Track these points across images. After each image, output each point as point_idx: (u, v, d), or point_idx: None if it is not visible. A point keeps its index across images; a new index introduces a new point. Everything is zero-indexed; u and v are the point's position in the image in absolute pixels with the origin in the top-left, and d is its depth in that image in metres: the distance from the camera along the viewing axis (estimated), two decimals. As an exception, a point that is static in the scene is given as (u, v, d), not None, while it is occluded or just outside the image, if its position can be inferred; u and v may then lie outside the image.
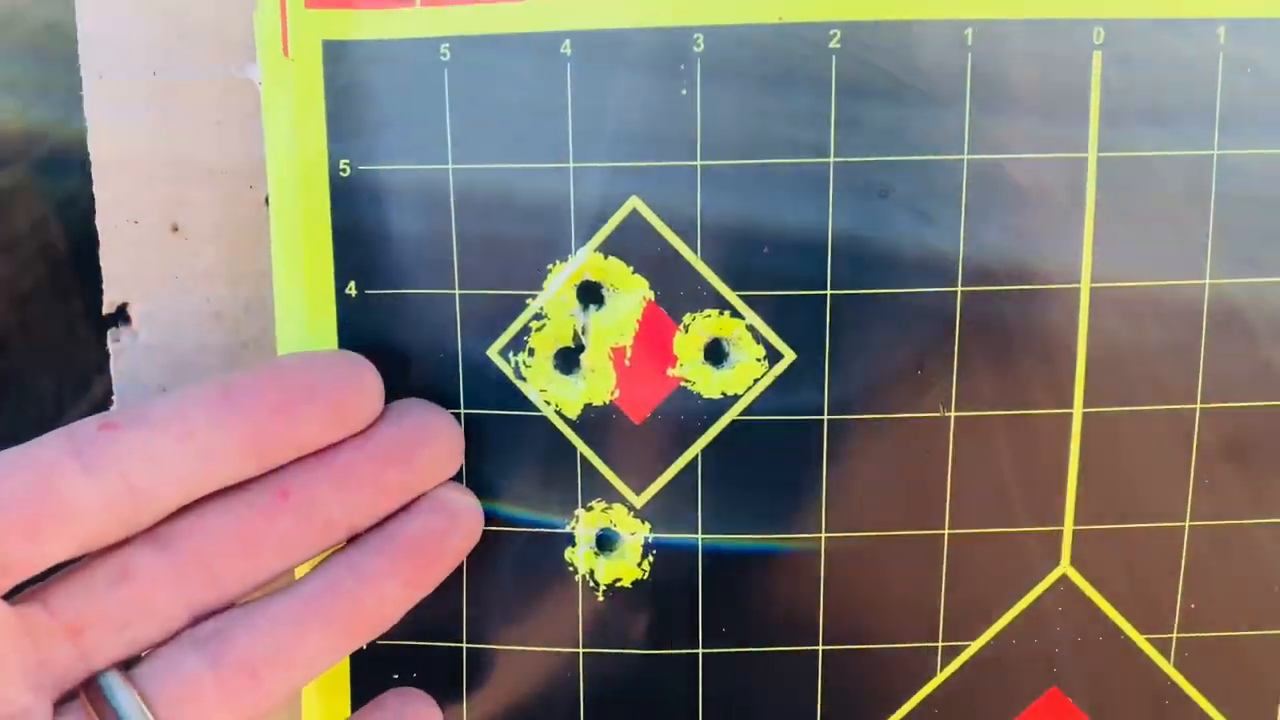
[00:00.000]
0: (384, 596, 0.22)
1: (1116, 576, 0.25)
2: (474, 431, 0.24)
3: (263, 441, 0.21)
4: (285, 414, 0.21)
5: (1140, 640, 0.25)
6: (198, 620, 0.22)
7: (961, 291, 0.23)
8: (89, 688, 0.20)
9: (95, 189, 0.24)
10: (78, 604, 0.21)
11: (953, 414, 0.24)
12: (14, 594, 0.20)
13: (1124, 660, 0.25)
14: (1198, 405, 0.24)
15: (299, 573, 0.23)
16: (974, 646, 0.25)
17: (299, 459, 0.22)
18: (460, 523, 0.23)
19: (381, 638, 0.23)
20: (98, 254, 0.25)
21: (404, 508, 0.23)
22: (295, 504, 0.22)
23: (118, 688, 0.20)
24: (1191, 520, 0.24)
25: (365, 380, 0.23)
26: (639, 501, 0.25)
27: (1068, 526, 0.24)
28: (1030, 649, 0.25)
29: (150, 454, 0.20)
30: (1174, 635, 0.25)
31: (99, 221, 0.25)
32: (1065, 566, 0.25)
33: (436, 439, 0.23)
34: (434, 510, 0.23)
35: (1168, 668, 0.25)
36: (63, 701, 0.21)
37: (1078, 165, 0.23)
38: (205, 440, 0.21)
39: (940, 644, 0.25)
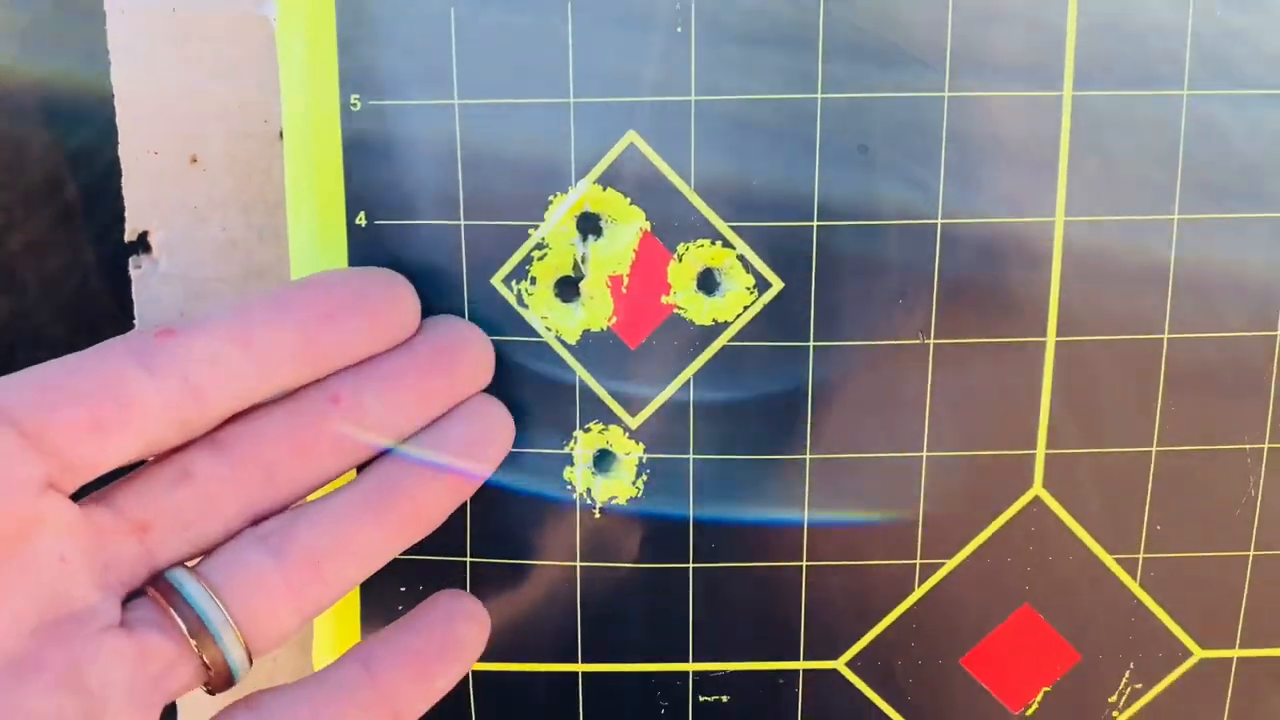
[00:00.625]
0: (434, 495, 0.23)
1: (1087, 499, 0.26)
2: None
3: (314, 348, 0.22)
4: (334, 322, 0.22)
5: (1108, 560, 0.26)
6: (257, 521, 0.22)
7: (941, 224, 0.25)
8: (156, 583, 0.21)
9: (118, 121, 0.26)
10: (142, 504, 0.21)
11: (931, 341, 0.25)
12: (80, 496, 0.21)
13: (1093, 579, 0.26)
14: (1165, 335, 0.25)
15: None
16: (950, 564, 0.26)
17: (346, 368, 0.23)
18: (498, 430, 0.25)
19: None
20: (110, 200, 0.26)
21: (444, 415, 0.24)
22: (345, 409, 0.23)
23: (186, 581, 0.21)
24: (1158, 446, 0.26)
25: (404, 294, 0.24)
26: (634, 423, 0.26)
27: (1040, 450, 0.26)
28: (1004, 567, 0.26)
29: (210, 357, 0.21)
30: (1140, 555, 0.26)
31: (121, 152, 0.26)
32: (1038, 488, 0.26)
33: (471, 350, 0.24)
34: (473, 417, 0.24)
35: (1134, 586, 0.26)
36: (129, 599, 0.21)
37: (1053, 104, 0.24)
38: (261, 345, 0.22)
39: (918, 561, 0.26)
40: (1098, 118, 0.24)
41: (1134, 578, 0.26)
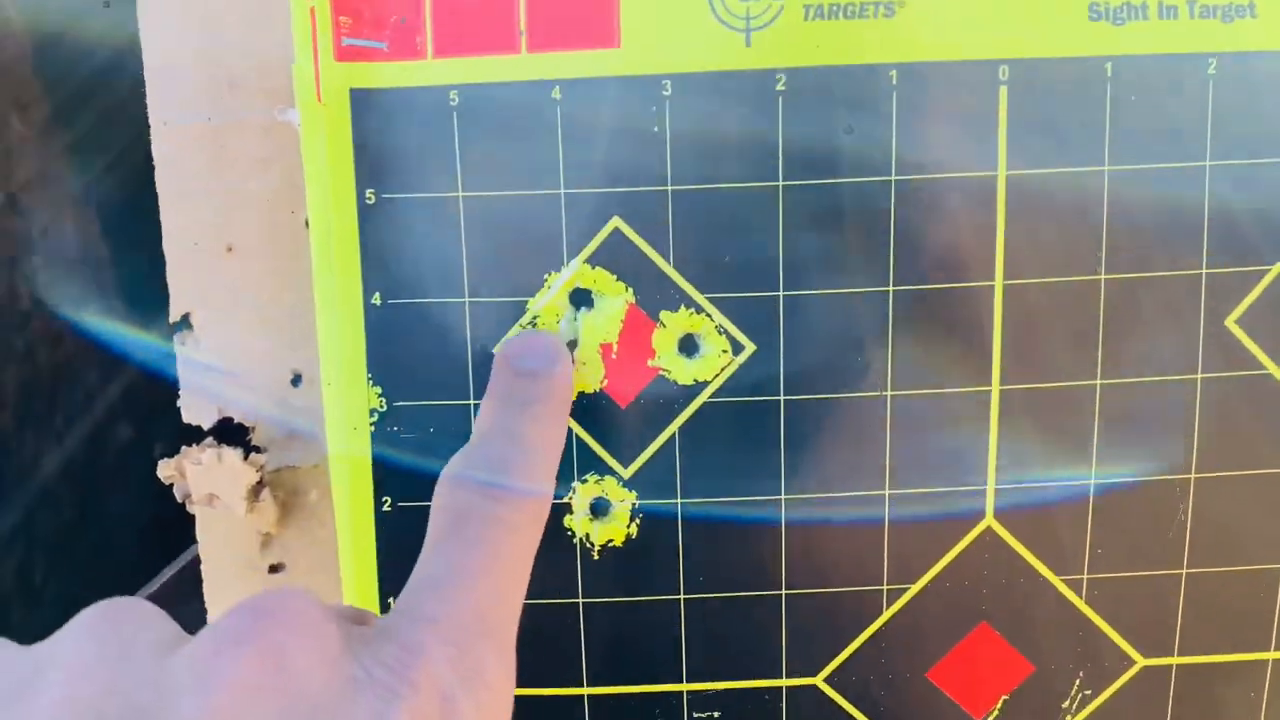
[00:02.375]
0: None
1: (1034, 527, 0.29)
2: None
3: None
4: None
5: (1056, 581, 0.29)
6: None
7: (893, 291, 0.28)
8: None
9: (162, 217, 0.29)
10: None
11: (889, 394, 0.28)
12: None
13: (1043, 598, 0.29)
14: (1098, 381, 0.28)
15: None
16: (914, 588, 0.29)
17: None
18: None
19: None
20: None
21: None
22: None
23: None
24: (1097, 479, 0.29)
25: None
26: (627, 474, 0.29)
27: (990, 486, 0.29)
28: (962, 590, 0.29)
29: None
30: (1085, 576, 0.29)
31: (165, 246, 0.29)
32: (989, 520, 0.29)
33: None
34: None
35: (1081, 604, 0.29)
36: None
37: (990, 183, 0.27)
38: None
39: (885, 587, 0.29)
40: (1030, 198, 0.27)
41: (1080, 596, 0.29)
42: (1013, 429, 0.29)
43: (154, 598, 0.35)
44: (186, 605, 0.33)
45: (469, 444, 0.26)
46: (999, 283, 0.28)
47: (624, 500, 0.29)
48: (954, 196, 0.27)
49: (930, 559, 0.29)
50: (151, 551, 0.39)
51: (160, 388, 0.30)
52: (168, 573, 0.34)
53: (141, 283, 0.30)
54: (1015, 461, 0.29)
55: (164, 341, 0.30)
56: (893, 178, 0.27)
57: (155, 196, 0.29)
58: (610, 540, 0.29)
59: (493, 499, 0.24)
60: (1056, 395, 0.28)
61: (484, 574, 0.23)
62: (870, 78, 0.27)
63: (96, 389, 0.40)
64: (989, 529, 0.29)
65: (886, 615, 0.30)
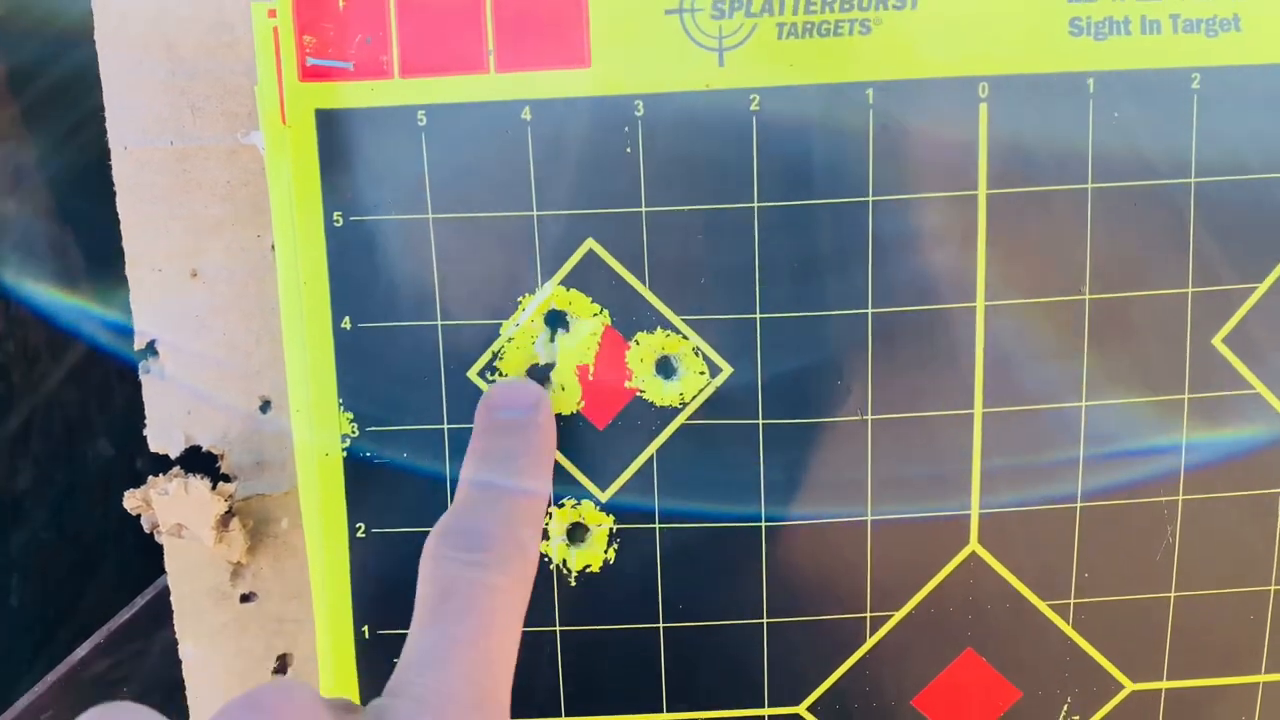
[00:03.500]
0: None
1: (1019, 552, 0.28)
2: (457, 445, 0.28)
3: None
4: None
5: (1042, 606, 0.29)
6: None
7: (872, 313, 0.27)
8: None
9: (124, 244, 0.28)
10: None
11: (869, 417, 0.28)
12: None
13: (1029, 624, 0.29)
14: (1083, 403, 0.28)
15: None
16: (898, 615, 0.29)
17: None
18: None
19: (385, 624, 0.27)
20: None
21: None
22: None
23: None
24: (1083, 501, 0.28)
25: None
26: (604, 497, 0.28)
27: (974, 511, 0.28)
28: (946, 616, 0.29)
29: None
30: (1071, 601, 0.29)
31: (129, 272, 0.28)
32: (974, 545, 0.28)
33: None
34: None
35: (1068, 629, 0.29)
36: None
37: (970, 202, 0.27)
38: None
39: (869, 614, 0.29)
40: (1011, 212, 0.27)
41: (1067, 621, 0.29)
42: (996, 451, 0.28)
43: (127, 625, 0.34)
44: (161, 631, 0.32)
45: (452, 506, 0.26)
46: (980, 304, 0.27)
47: (601, 524, 0.29)
48: (934, 216, 0.27)
49: (914, 584, 0.29)
50: (134, 571, 0.38)
51: (140, 402, 0.30)
52: (139, 602, 0.33)
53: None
54: (999, 484, 0.28)
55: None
56: (870, 198, 0.27)
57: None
58: (587, 566, 0.29)
59: (477, 567, 0.24)
60: (1040, 417, 0.28)
61: (472, 645, 0.23)
62: (846, 96, 0.26)
63: (73, 402, 0.39)
64: (973, 553, 0.28)
65: (870, 642, 0.29)
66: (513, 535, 0.25)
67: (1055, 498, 0.28)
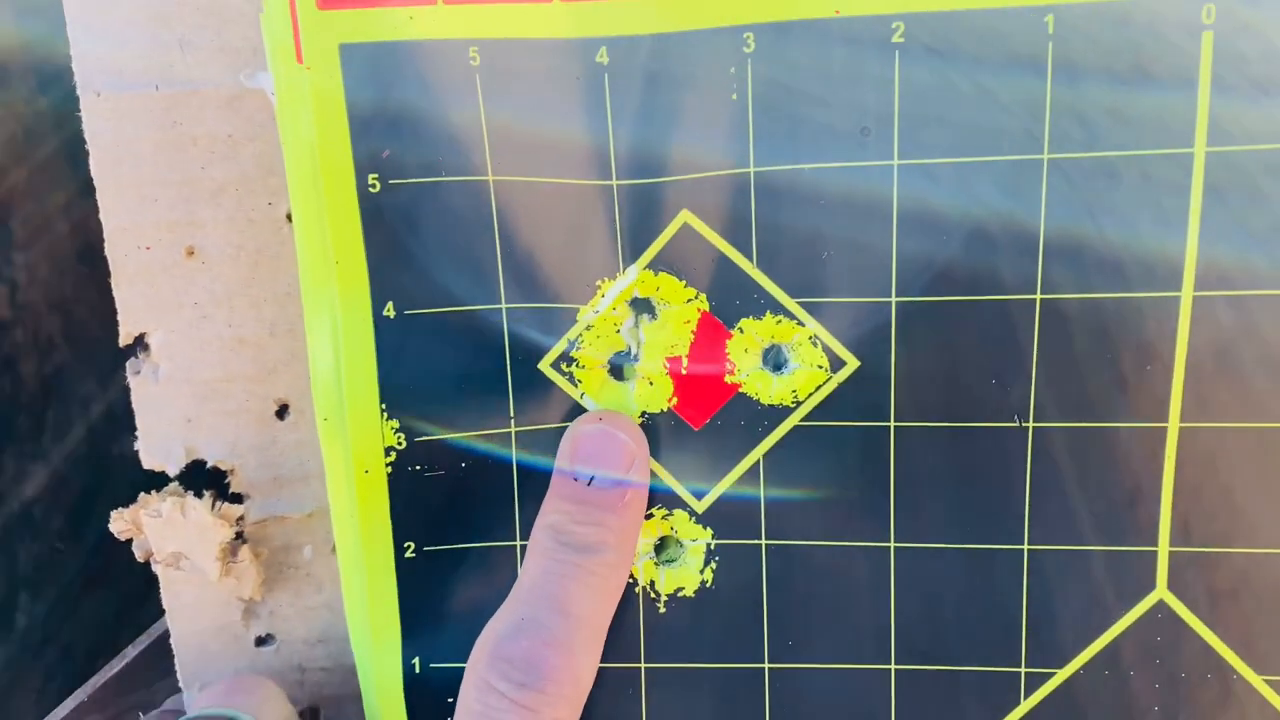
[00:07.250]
0: None
1: (1222, 605, 0.23)
2: (528, 446, 0.23)
3: None
4: None
5: (1255, 680, 0.23)
6: None
7: (1041, 299, 0.22)
8: None
9: (102, 216, 0.23)
10: None
11: (1031, 425, 0.23)
12: None
13: (1235, 702, 0.23)
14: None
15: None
16: (1061, 675, 0.24)
17: None
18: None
19: (439, 655, 0.24)
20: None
21: None
22: None
23: None
24: None
25: None
26: (700, 508, 0.24)
27: (1163, 548, 0.23)
28: (1125, 682, 0.24)
29: None
30: None
31: (108, 250, 0.23)
32: (1162, 590, 0.23)
33: None
34: None
35: None
36: None
37: (1184, 159, 0.22)
38: None
39: (1023, 669, 0.24)
40: (1234, 177, 0.22)
41: None
42: (1194, 476, 0.23)
43: (131, 667, 0.29)
44: (166, 678, 0.27)
45: (503, 611, 0.23)
46: (1187, 294, 0.22)
47: (697, 539, 0.24)
48: (1138, 169, 0.22)
49: (1083, 637, 0.23)
50: (150, 583, 0.33)
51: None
52: (143, 641, 0.28)
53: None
54: (1197, 516, 0.23)
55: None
56: (1044, 156, 0.22)
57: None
58: (680, 589, 0.24)
59: (526, 710, 0.22)
60: (1251, 437, 0.23)
61: None
62: (1019, 18, 0.21)
63: (94, 396, 0.33)
64: (1160, 601, 0.23)
65: (1026, 705, 0.24)
66: (570, 662, 0.22)
67: (1268, 538, 0.23)
